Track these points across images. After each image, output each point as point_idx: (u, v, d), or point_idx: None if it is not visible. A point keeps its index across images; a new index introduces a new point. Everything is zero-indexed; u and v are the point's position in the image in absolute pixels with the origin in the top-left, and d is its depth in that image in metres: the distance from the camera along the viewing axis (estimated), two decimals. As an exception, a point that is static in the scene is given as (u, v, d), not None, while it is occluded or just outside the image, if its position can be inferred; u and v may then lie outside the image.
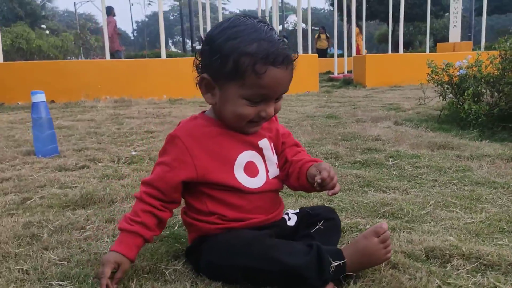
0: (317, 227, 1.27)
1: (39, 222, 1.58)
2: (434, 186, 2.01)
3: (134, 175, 2.24)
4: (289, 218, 1.32)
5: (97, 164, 2.51)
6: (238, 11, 55.97)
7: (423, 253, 1.26)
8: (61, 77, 6.66)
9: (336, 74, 11.33)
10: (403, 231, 1.45)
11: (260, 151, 1.24)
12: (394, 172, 2.26)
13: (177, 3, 31.05)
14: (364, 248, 1.10)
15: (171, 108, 5.52)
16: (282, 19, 21.98)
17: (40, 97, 2.82)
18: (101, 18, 9.58)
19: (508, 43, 3.47)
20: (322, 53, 15.92)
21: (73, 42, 25.22)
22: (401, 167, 2.35)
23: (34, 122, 2.79)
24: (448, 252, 1.24)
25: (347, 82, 9.55)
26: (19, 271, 1.20)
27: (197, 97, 6.82)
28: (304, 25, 14.08)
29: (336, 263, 1.07)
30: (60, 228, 1.53)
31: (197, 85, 1.21)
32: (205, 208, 1.20)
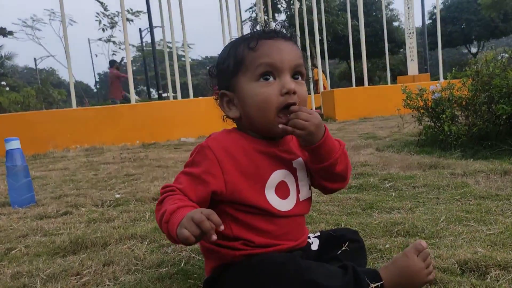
0: (343, 248, 1.18)
1: (28, 272, 1.42)
2: (438, 204, 1.97)
3: (123, 216, 2.10)
4: (312, 242, 1.23)
5: (80, 209, 2.35)
6: (200, 58, 56.73)
7: (457, 266, 1.19)
8: (27, 129, 6.43)
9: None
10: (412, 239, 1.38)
11: (294, 171, 1.14)
12: (393, 194, 2.21)
13: (140, 53, 31.27)
14: (404, 267, 1.02)
15: (147, 152, 5.37)
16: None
17: (15, 144, 2.67)
18: (63, 72, 9.46)
19: (479, 65, 3.58)
20: None
21: (35, 97, 24.81)
22: (398, 188, 2.31)
23: (9, 171, 2.62)
24: (483, 263, 1.17)
25: (317, 118, 9.64)
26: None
27: (170, 140, 6.72)
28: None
29: (374, 285, 0.99)
30: (54, 276, 1.39)
31: (221, 107, 1.15)
32: (229, 232, 1.08)
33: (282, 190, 1.11)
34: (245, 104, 1.09)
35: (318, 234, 1.28)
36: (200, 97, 8.59)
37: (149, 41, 18.38)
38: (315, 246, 1.22)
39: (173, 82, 9.52)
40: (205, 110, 7.41)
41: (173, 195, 1.02)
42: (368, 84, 11.22)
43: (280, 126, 1.04)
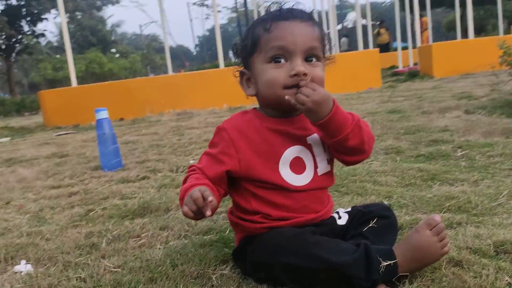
0: (370, 225, 1.19)
1: (99, 232, 1.63)
2: (509, 176, 1.84)
3: (191, 182, 2.26)
4: (340, 217, 1.25)
5: (156, 174, 2.56)
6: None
7: (492, 248, 1.14)
8: (127, 95, 6.98)
9: (400, 68, 10.90)
10: (470, 225, 1.32)
11: (309, 146, 1.18)
12: (463, 164, 2.09)
13: (235, 15, 31.60)
14: (416, 242, 1.01)
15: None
16: (341, 17, 21.63)
17: (103, 114, 2.94)
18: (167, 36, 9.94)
19: None
20: (384, 48, 15.32)
21: (140, 62, 26.51)
22: (470, 158, 2.18)
23: (99, 138, 2.92)
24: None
25: (412, 75, 9.13)
26: (77, 279, 1.23)
27: (255, 104, 6.84)
28: (364, 21, 13.72)
29: (386, 263, 0.99)
30: (118, 237, 1.57)
31: (240, 84, 1.22)
32: (249, 206, 1.16)
33: (297, 166, 1.15)
34: (258, 83, 1.15)
35: (349, 209, 1.29)
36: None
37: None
38: (343, 221, 1.23)
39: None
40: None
41: (193, 174, 1.14)
42: (480, 35, 10.33)
43: (287, 97, 1.07)
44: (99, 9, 36.03)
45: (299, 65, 1.09)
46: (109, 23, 43.03)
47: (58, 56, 26.19)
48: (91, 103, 6.87)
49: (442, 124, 3.09)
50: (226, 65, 8.09)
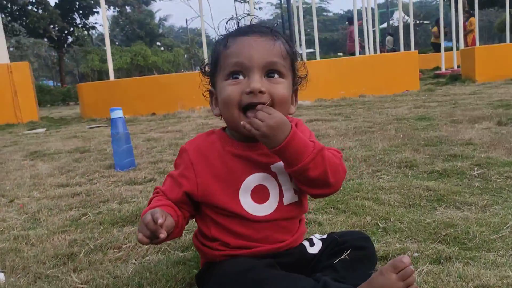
0: (342, 257, 1.10)
1: (83, 240, 1.61)
2: (522, 202, 1.68)
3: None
4: (313, 244, 1.17)
5: (162, 177, 2.54)
6: (342, 12, 55.00)
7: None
8: (160, 90, 7.05)
9: (443, 70, 10.48)
10: (458, 262, 1.21)
11: (273, 174, 1.10)
12: (477, 184, 1.95)
13: (279, 11, 31.45)
14: (380, 286, 0.92)
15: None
16: (388, 15, 21.04)
17: (118, 113, 2.95)
18: (211, 32, 10.02)
19: None
20: (438, 47, 14.50)
21: (184, 56, 26.90)
22: (487, 178, 2.03)
23: (113, 137, 2.94)
24: (504, 293, 0.99)
25: (454, 78, 8.75)
26: (40, 294, 1.22)
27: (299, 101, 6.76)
28: (415, 21, 13.21)
29: (343, 305, 0.91)
30: (100, 247, 1.55)
31: (210, 105, 1.17)
32: (209, 233, 1.11)
33: (260, 194, 1.08)
34: (219, 103, 1.09)
35: (325, 236, 1.20)
36: (321, 59, 8.41)
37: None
38: (315, 249, 1.15)
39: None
40: (324, 73, 7.26)
41: (155, 196, 1.11)
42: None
43: (242, 123, 1.00)
44: (147, 3, 36.78)
45: (255, 82, 1.02)
46: (157, 16, 43.92)
47: (105, 48, 27.05)
48: (126, 97, 7.02)
49: (467, 137, 2.91)
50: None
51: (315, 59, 9.17)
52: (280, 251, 1.10)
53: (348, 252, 1.10)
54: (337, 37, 52.18)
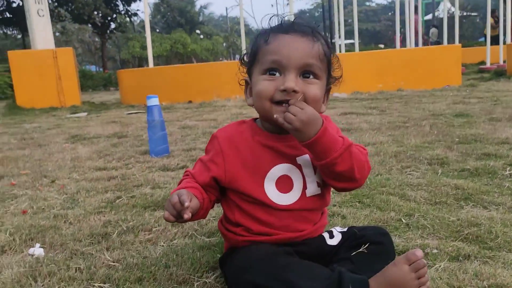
0: (360, 250, 1.13)
1: (116, 222, 1.71)
2: (552, 204, 1.66)
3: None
4: (332, 236, 1.20)
5: (195, 165, 2.62)
6: (385, 2, 53.70)
7: (489, 292, 1.04)
8: (197, 79, 7.17)
9: (488, 65, 10.12)
10: (477, 261, 1.22)
11: (299, 167, 1.14)
12: (507, 184, 1.92)
13: (319, 0, 31.06)
14: (393, 277, 0.95)
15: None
16: (433, 6, 20.37)
17: (154, 101, 3.05)
18: (251, 20, 10.08)
19: None
20: (494, 40, 13.70)
21: (223, 44, 27.06)
22: (519, 178, 1.99)
23: (149, 124, 3.04)
24: (518, 294, 1.00)
25: (499, 74, 8.45)
26: (75, 270, 1.31)
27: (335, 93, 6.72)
28: (461, 13, 12.70)
29: (357, 294, 0.94)
30: (132, 229, 1.64)
31: (244, 93, 1.21)
32: (233, 218, 1.16)
33: (284, 184, 1.12)
34: (253, 94, 1.13)
35: (345, 229, 1.24)
36: (359, 52, 8.29)
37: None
38: (335, 241, 1.19)
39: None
40: (361, 65, 7.18)
41: (185, 179, 1.18)
42: None
43: (275, 116, 1.04)
44: (188, -10, 37.14)
45: (290, 81, 1.06)
46: (197, 4, 44.22)
47: (146, 35, 27.55)
48: (164, 84, 7.18)
49: (503, 136, 2.84)
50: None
51: (354, 50, 9.07)
52: (299, 240, 1.14)
53: (366, 246, 1.13)
54: (379, 28, 51.07)
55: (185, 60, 23.97)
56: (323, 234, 1.20)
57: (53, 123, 5.45)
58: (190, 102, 7.01)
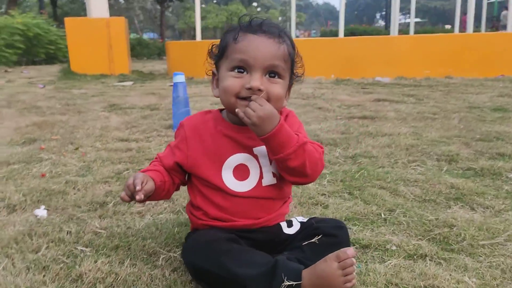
0: (311, 240, 1.20)
1: (117, 192, 1.85)
2: (542, 212, 1.63)
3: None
4: (291, 226, 1.28)
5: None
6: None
7: (419, 291, 1.08)
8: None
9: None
10: (431, 261, 1.25)
11: (255, 157, 1.22)
12: (507, 188, 1.89)
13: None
14: (321, 271, 1.02)
15: (331, 89, 5.49)
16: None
17: (180, 78, 3.17)
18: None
19: None
20: None
21: (278, 19, 26.80)
22: (521, 182, 1.95)
23: (174, 100, 3.17)
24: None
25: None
26: (66, 233, 1.46)
27: (365, 78, 6.63)
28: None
29: (287, 283, 1.02)
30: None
31: (211, 84, 1.29)
32: (195, 201, 1.26)
33: (241, 172, 1.21)
34: (219, 87, 1.20)
35: (305, 220, 1.30)
36: (403, 35, 8.00)
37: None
38: (292, 230, 1.26)
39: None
40: (407, 50, 6.96)
41: (154, 161, 1.29)
42: None
43: (236, 110, 1.12)
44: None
45: (255, 80, 1.13)
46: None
47: (203, 6, 27.70)
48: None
49: (527, 135, 2.74)
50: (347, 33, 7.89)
51: (409, 32, 8.77)
52: (255, 227, 1.22)
53: (319, 237, 1.20)
54: (449, 7, 48.46)
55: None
56: (281, 223, 1.27)
57: (99, 90, 5.74)
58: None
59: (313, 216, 1.36)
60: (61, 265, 1.24)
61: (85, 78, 7.32)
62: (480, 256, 1.29)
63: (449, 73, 6.77)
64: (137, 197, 1.09)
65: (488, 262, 1.25)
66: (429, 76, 6.72)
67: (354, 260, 1.02)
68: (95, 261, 1.25)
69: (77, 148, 2.59)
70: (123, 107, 4.17)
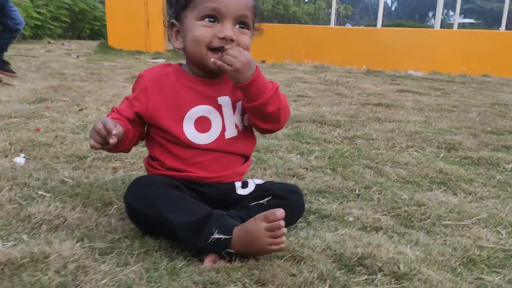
0: (259, 202, 1.18)
1: (100, 151, 1.87)
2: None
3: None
4: (246, 187, 1.26)
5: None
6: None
7: (354, 258, 1.04)
8: (272, 40, 7.16)
9: None
10: (381, 234, 1.21)
11: (218, 107, 1.21)
12: (499, 177, 1.79)
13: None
14: (249, 229, 1.00)
15: (361, 80, 5.36)
16: None
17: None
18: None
19: None
20: None
21: (325, 10, 26.43)
22: (518, 175, 1.84)
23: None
24: (378, 264, 1.00)
25: None
26: (35, 179, 1.49)
27: (398, 70, 6.44)
28: None
29: (217, 236, 1.01)
30: (108, 157, 1.79)
31: (169, 36, 1.28)
32: (152, 153, 1.26)
33: (202, 124, 1.20)
34: (186, 38, 1.19)
35: (261, 182, 1.28)
36: (440, 29, 7.70)
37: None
38: (245, 191, 1.24)
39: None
40: (444, 44, 6.70)
41: (110, 114, 1.27)
42: None
43: (212, 60, 1.12)
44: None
45: (229, 30, 1.13)
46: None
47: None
48: (270, 43, 7.26)
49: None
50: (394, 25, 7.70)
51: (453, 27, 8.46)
52: (209, 181, 1.21)
53: (268, 199, 1.18)
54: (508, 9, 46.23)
55: (285, 21, 23.82)
56: (236, 182, 1.25)
57: (129, 64, 5.84)
58: (263, 62, 7.08)
59: (270, 181, 1.33)
60: (15, 205, 1.28)
61: (120, 53, 7.47)
62: (438, 234, 1.23)
63: (487, 72, 6.48)
64: (111, 141, 1.05)
65: (443, 240, 1.20)
66: (465, 73, 6.46)
67: (282, 222, 0.99)
68: (49, 205, 1.27)
69: (81, 110, 2.65)
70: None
